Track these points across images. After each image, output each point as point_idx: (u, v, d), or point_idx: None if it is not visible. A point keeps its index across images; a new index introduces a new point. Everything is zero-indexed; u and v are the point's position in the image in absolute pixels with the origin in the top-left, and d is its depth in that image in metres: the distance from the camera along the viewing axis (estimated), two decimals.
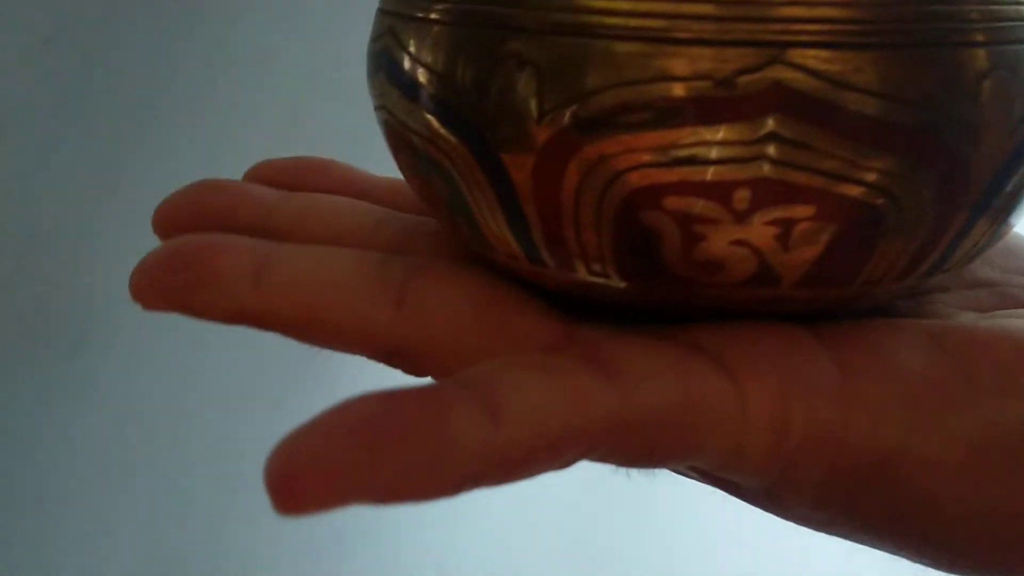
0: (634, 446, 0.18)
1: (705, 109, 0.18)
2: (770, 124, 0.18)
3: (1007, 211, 0.21)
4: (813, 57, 0.18)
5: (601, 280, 0.20)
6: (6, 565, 0.41)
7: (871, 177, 0.18)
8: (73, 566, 0.41)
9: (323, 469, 0.15)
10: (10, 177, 0.38)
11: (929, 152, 0.18)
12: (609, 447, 0.18)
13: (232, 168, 0.43)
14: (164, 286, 0.19)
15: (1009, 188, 0.20)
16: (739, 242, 0.19)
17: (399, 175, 0.24)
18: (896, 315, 0.22)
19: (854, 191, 0.18)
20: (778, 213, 0.18)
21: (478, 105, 0.19)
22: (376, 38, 0.22)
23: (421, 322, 0.20)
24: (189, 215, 0.23)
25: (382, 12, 0.22)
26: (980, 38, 0.19)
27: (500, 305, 0.21)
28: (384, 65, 0.21)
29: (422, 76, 0.20)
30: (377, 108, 0.22)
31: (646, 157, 0.18)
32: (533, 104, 0.19)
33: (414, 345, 0.20)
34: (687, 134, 0.18)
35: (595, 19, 0.18)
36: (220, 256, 0.20)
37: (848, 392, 0.20)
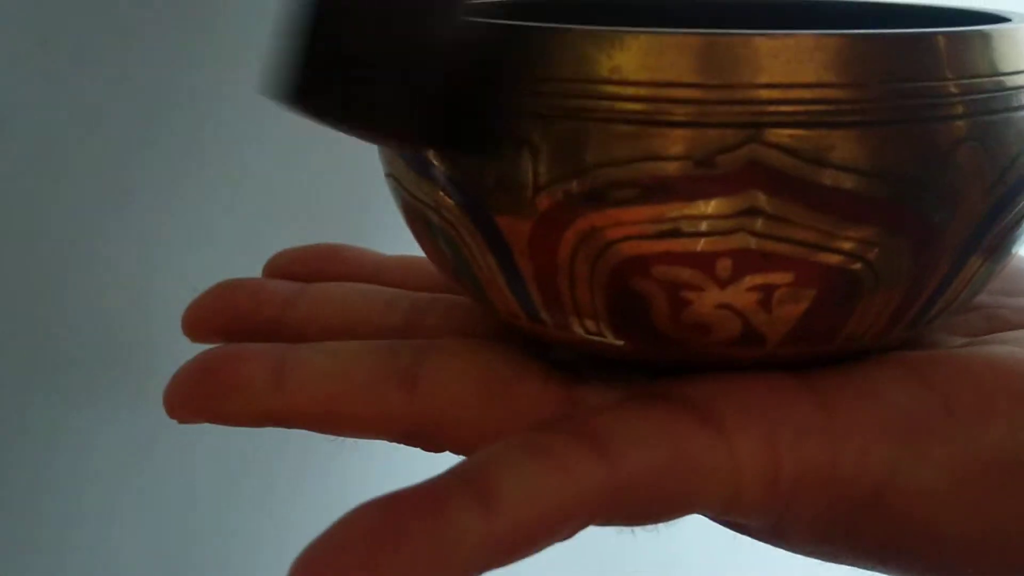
0: (631, 509, 0.20)
1: (688, 186, 0.19)
2: (749, 199, 0.19)
3: (987, 264, 0.22)
4: (788, 136, 0.19)
5: (598, 338, 0.21)
6: (10, 565, 0.42)
7: (848, 246, 0.19)
8: (77, 566, 0.42)
9: None
10: (10, 177, 0.38)
11: (904, 221, 0.20)
12: (607, 515, 0.19)
13: (231, 167, 0.43)
14: (194, 401, 0.22)
15: (985, 245, 0.21)
16: (723, 306, 0.20)
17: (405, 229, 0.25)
18: (885, 347, 0.23)
19: (832, 259, 0.20)
20: (759, 280, 0.20)
21: (479, 178, 0.21)
22: None
23: (431, 403, 0.22)
24: (215, 317, 0.25)
25: None
26: (959, 110, 0.20)
27: (503, 376, 0.22)
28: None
29: (427, 154, 0.21)
30: (387, 176, 0.23)
31: (634, 230, 0.20)
32: (530, 180, 0.20)
33: (427, 425, 0.22)
34: (672, 209, 0.19)
35: (587, 103, 0.19)
36: (241, 366, 0.22)
37: (833, 430, 0.21)
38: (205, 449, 0.43)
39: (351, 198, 0.43)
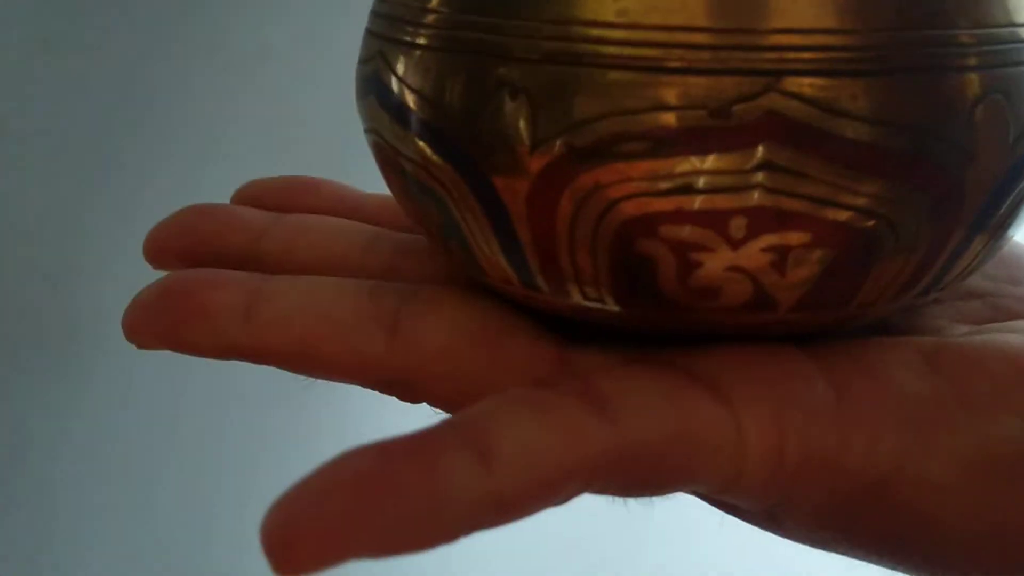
0: (631, 478, 0.18)
1: (700, 138, 0.18)
2: (766, 152, 0.18)
3: (1003, 228, 0.21)
4: (808, 85, 0.18)
5: (596, 305, 0.20)
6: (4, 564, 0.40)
7: (865, 202, 0.18)
8: (66, 565, 0.41)
9: (319, 529, 0.15)
10: (10, 177, 0.38)
11: (923, 176, 0.18)
12: (606, 481, 0.18)
13: (231, 165, 0.42)
14: (155, 324, 0.19)
15: (1005, 207, 0.20)
16: (735, 268, 0.19)
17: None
18: (889, 331, 0.22)
19: (848, 216, 0.18)
20: (773, 240, 0.18)
21: (470, 133, 0.19)
22: (365, 60, 0.21)
23: (414, 351, 0.20)
24: (179, 242, 0.23)
25: (370, 34, 0.21)
26: (973, 62, 0.19)
27: (493, 330, 0.21)
28: (374, 89, 0.21)
29: (412, 102, 0.20)
30: (367, 131, 0.22)
31: (641, 186, 0.18)
32: (526, 133, 0.18)
33: (409, 374, 0.20)
34: (682, 163, 0.18)
35: (588, 47, 0.18)
36: (210, 293, 0.20)
37: (843, 415, 0.20)
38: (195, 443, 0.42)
39: (331, 151, 0.42)
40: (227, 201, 0.26)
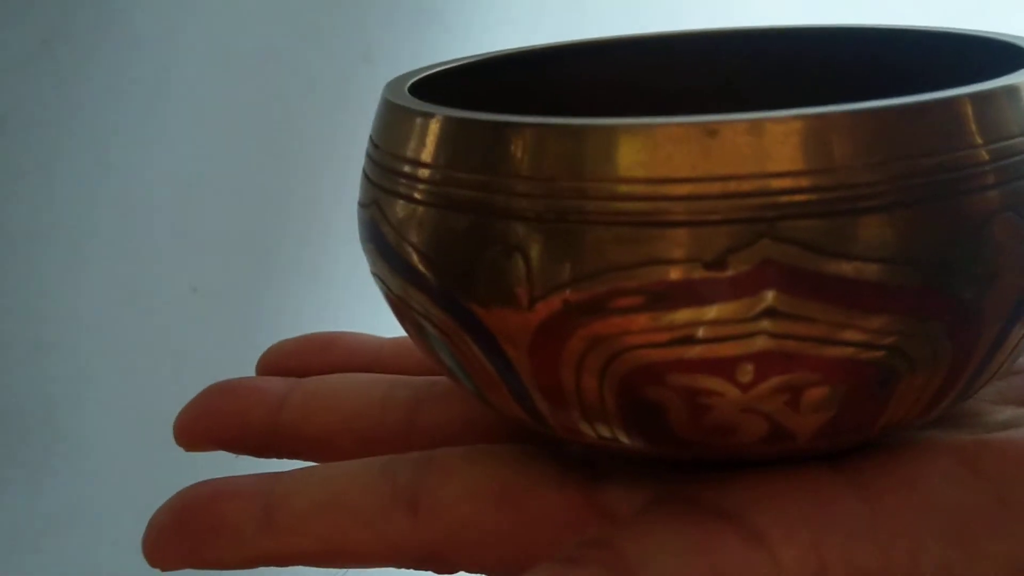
0: None
1: (698, 291, 0.17)
2: (766, 300, 0.17)
3: None
4: (804, 228, 0.17)
5: (612, 443, 0.20)
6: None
7: (877, 339, 0.18)
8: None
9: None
10: (10, 177, 0.38)
11: (938, 306, 0.18)
12: None
13: (230, 165, 0.42)
14: (177, 547, 0.20)
15: (1021, 326, 0.19)
16: (747, 409, 0.18)
17: None
18: (924, 425, 0.22)
19: (860, 354, 0.18)
20: (783, 381, 0.18)
21: (468, 288, 0.19)
22: (364, 204, 0.21)
23: (439, 525, 0.20)
24: (206, 425, 0.24)
25: (367, 178, 0.21)
26: (991, 179, 0.18)
27: (516, 486, 0.21)
28: (373, 237, 0.21)
29: (409, 255, 0.20)
30: (372, 274, 0.22)
31: (643, 338, 0.18)
32: (523, 290, 0.18)
33: (438, 549, 0.20)
34: (682, 316, 0.17)
35: (578, 204, 0.18)
36: (225, 505, 0.20)
37: (882, 532, 0.19)
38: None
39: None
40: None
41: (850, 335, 0.18)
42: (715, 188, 0.17)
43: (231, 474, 0.22)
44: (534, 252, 0.18)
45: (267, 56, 0.45)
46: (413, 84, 0.23)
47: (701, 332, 0.18)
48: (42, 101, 0.37)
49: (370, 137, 0.22)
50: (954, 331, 0.18)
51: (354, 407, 0.24)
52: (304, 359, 0.27)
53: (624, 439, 0.20)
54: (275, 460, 0.26)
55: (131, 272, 0.41)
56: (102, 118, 0.39)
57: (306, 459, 0.25)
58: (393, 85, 0.23)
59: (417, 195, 0.20)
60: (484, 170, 0.19)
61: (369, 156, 0.22)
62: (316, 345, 0.27)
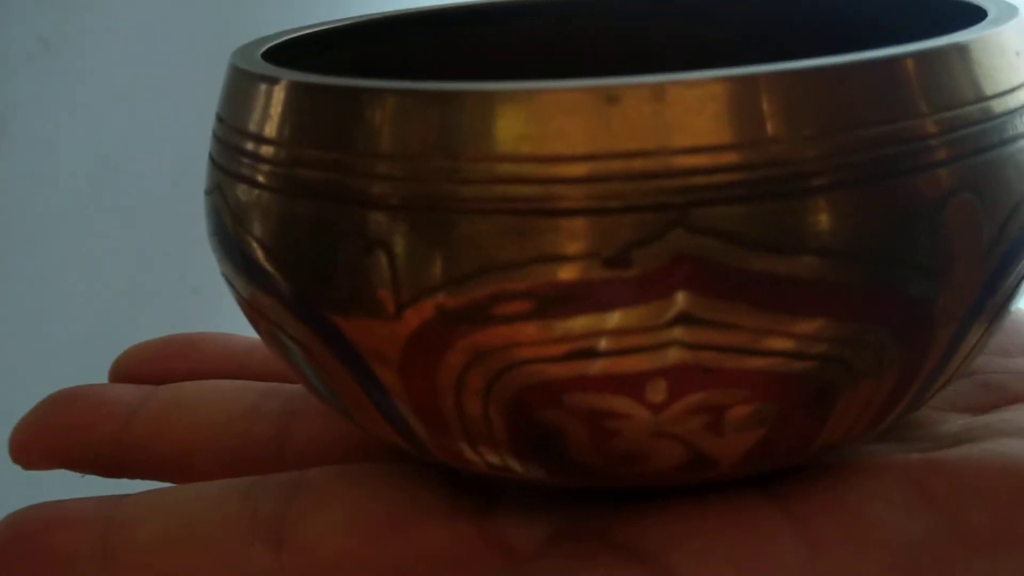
0: None
1: (597, 293, 0.14)
2: (679, 303, 0.14)
3: (989, 330, 0.17)
4: (724, 216, 0.14)
5: (502, 471, 0.17)
6: None
7: (813, 347, 0.15)
8: None
9: None
10: (10, 177, 0.38)
11: (883, 308, 0.15)
12: None
13: None
14: None
15: (986, 313, 0.16)
16: (660, 434, 0.15)
17: None
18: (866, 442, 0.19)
19: (793, 366, 0.15)
20: (701, 400, 0.15)
21: (323, 292, 0.16)
22: (208, 191, 0.18)
23: (307, 561, 0.17)
24: (43, 440, 0.21)
25: (211, 160, 0.18)
26: (941, 155, 0.15)
27: (399, 514, 0.18)
28: (216, 229, 0.17)
29: (255, 252, 0.16)
30: (222, 273, 0.18)
31: (534, 351, 0.15)
32: (388, 294, 0.15)
33: None
34: (579, 324, 0.14)
35: (451, 188, 0.14)
36: (58, 535, 0.18)
37: (821, 571, 0.16)
38: None
39: None
40: None
41: (780, 343, 0.15)
42: (616, 168, 0.14)
43: (85, 494, 0.20)
44: (399, 248, 0.15)
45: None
46: (276, 48, 0.19)
47: (602, 343, 0.14)
48: (42, 101, 0.38)
49: (216, 112, 0.19)
50: (903, 334, 0.15)
51: (216, 420, 0.22)
52: (162, 364, 0.24)
53: (517, 467, 0.16)
54: (127, 480, 0.23)
55: (131, 272, 0.42)
56: (102, 118, 0.39)
57: (160, 480, 0.22)
58: (246, 49, 0.19)
59: (260, 178, 0.16)
60: (336, 147, 0.15)
61: (214, 134, 0.18)
62: (177, 348, 0.24)
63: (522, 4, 0.24)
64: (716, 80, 0.14)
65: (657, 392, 0.15)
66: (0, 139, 0.38)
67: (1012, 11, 0.17)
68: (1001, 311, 0.17)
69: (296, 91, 0.16)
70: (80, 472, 0.22)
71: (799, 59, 0.15)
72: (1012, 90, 0.16)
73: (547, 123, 0.14)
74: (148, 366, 0.24)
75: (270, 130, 0.16)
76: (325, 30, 0.22)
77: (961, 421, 0.20)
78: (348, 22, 0.22)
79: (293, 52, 0.20)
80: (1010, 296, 0.17)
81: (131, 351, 0.24)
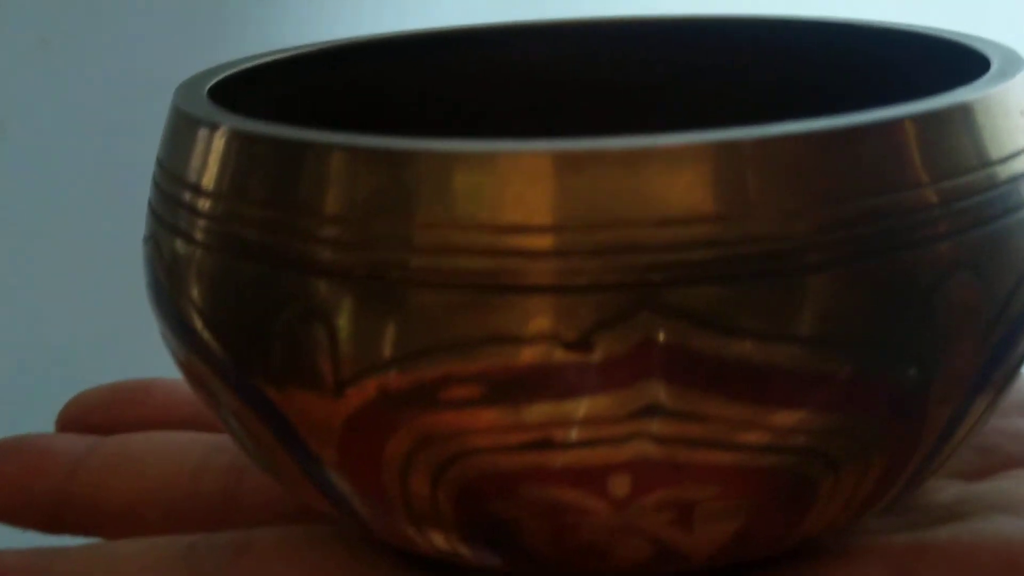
0: None
1: (556, 379, 0.13)
2: (647, 393, 0.13)
3: (994, 401, 0.16)
4: (698, 297, 0.13)
5: (452, 556, 0.15)
6: None
7: (792, 440, 0.13)
8: None
9: None
10: (10, 177, 0.38)
11: (870, 398, 0.13)
12: None
13: None
14: None
15: (989, 388, 0.15)
16: (624, 529, 0.14)
17: None
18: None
19: (771, 460, 0.13)
20: (669, 495, 0.14)
21: (258, 363, 0.14)
22: (145, 239, 0.17)
23: None
24: None
25: (150, 207, 0.17)
26: (942, 228, 0.14)
27: None
28: (151, 283, 0.16)
29: (189, 312, 0.15)
30: (159, 332, 0.17)
31: (485, 440, 0.13)
32: (326, 371, 0.14)
33: None
34: (536, 412, 0.13)
35: (398, 256, 0.13)
36: None
37: None
38: None
39: None
40: None
41: (757, 437, 0.13)
42: (579, 240, 0.13)
43: (26, 545, 0.19)
44: (341, 320, 0.13)
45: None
46: (224, 82, 0.18)
47: (561, 434, 0.13)
48: (42, 101, 0.38)
49: (157, 155, 0.17)
50: (892, 423, 0.14)
51: (163, 474, 0.20)
52: (112, 413, 0.23)
53: (467, 554, 0.15)
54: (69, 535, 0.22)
55: (132, 272, 0.42)
56: (102, 118, 0.39)
57: (104, 536, 0.21)
58: (196, 82, 0.18)
59: (197, 233, 0.15)
60: (276, 205, 0.14)
61: (153, 179, 0.17)
62: (127, 395, 0.23)
63: (516, 28, 0.22)
64: (693, 146, 0.13)
65: (620, 486, 0.13)
66: (0, 139, 0.38)
67: (1017, 62, 0.16)
68: (1008, 381, 0.16)
69: (236, 140, 0.15)
70: (20, 527, 0.21)
71: (795, 109, 0.13)
72: (1017, 154, 0.15)
73: (505, 189, 0.13)
74: (97, 414, 0.23)
75: (208, 181, 0.15)
76: (292, 56, 0.20)
77: (954, 489, 0.18)
78: (321, 47, 0.21)
79: (256, 79, 0.19)
80: (1017, 367, 0.16)
81: (80, 398, 0.23)
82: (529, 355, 0.13)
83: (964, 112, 0.14)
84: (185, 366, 0.16)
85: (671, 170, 0.13)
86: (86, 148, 0.39)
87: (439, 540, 0.15)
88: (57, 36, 0.38)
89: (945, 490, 0.18)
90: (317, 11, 0.46)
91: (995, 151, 0.14)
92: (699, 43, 0.22)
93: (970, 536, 0.16)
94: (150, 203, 0.17)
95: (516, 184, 0.13)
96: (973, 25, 0.21)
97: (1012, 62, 0.16)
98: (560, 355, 0.13)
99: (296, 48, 0.20)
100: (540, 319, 0.13)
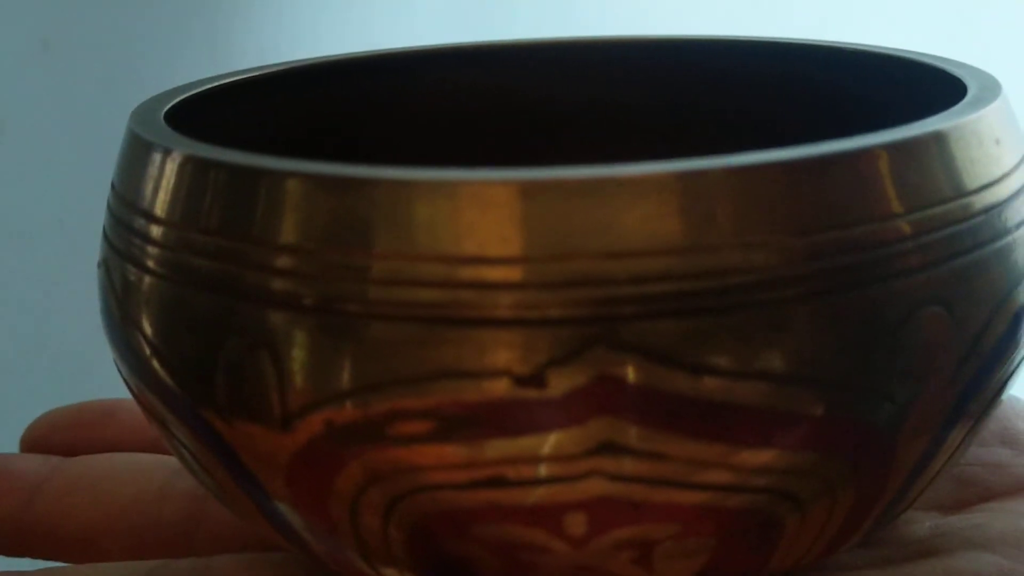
0: None
1: (507, 416, 0.12)
2: (603, 430, 0.12)
3: (972, 431, 0.15)
4: (655, 332, 0.12)
5: None
6: None
7: (755, 480, 0.13)
8: None
9: None
10: (10, 177, 0.38)
11: (840, 436, 0.13)
12: None
13: None
14: None
15: (963, 419, 0.15)
16: (582, 569, 0.13)
17: None
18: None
19: (733, 500, 0.13)
20: (628, 534, 0.13)
21: (205, 395, 0.14)
22: (98, 265, 0.16)
23: None
24: None
25: (104, 232, 0.16)
26: (914, 262, 0.13)
27: None
28: (103, 309, 0.16)
29: (139, 341, 0.14)
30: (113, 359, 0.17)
31: (436, 477, 0.13)
32: (273, 402, 0.13)
33: None
34: (487, 449, 0.12)
35: (344, 287, 0.13)
36: None
37: None
38: None
39: None
40: None
41: (718, 477, 0.13)
42: (533, 272, 0.12)
43: None
44: (290, 351, 0.13)
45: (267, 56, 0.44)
46: (185, 103, 0.18)
47: (514, 472, 0.12)
48: (42, 101, 0.38)
49: (112, 179, 0.17)
50: (860, 461, 0.14)
51: (125, 499, 0.20)
52: (76, 434, 0.22)
53: None
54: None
55: None
56: (102, 118, 0.38)
57: (64, 561, 0.21)
58: (153, 104, 0.17)
59: (149, 261, 0.14)
60: (229, 233, 0.13)
61: (107, 203, 0.16)
62: (92, 416, 0.23)
63: (488, 48, 0.22)
64: (657, 175, 0.12)
65: (577, 525, 0.13)
66: (0, 139, 0.37)
67: (994, 88, 0.16)
68: (984, 413, 0.15)
69: (190, 165, 0.14)
70: None
71: (765, 134, 0.13)
72: (991, 184, 0.14)
73: (456, 218, 0.12)
74: (60, 435, 0.22)
75: (161, 207, 0.14)
76: (254, 77, 0.20)
77: (930, 522, 0.18)
78: (287, 67, 0.20)
79: (222, 101, 0.18)
80: (995, 397, 0.15)
81: (44, 419, 0.23)
82: (481, 390, 0.12)
83: (938, 141, 0.14)
84: (137, 395, 0.15)
85: (633, 200, 0.12)
86: (86, 148, 0.38)
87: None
88: (58, 37, 0.38)
89: (921, 523, 0.18)
90: (319, 14, 0.46)
91: (970, 181, 0.14)
92: (672, 66, 0.21)
93: (944, 573, 0.16)
94: (104, 228, 0.16)
95: (467, 213, 0.12)
96: (966, 38, 0.21)
97: (988, 89, 0.16)
98: (513, 391, 0.12)
99: (259, 68, 0.19)
100: (493, 353, 0.12)
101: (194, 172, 0.14)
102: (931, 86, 0.17)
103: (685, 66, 0.21)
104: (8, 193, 0.38)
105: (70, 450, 0.22)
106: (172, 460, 0.21)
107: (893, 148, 0.13)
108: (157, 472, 0.21)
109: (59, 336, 0.40)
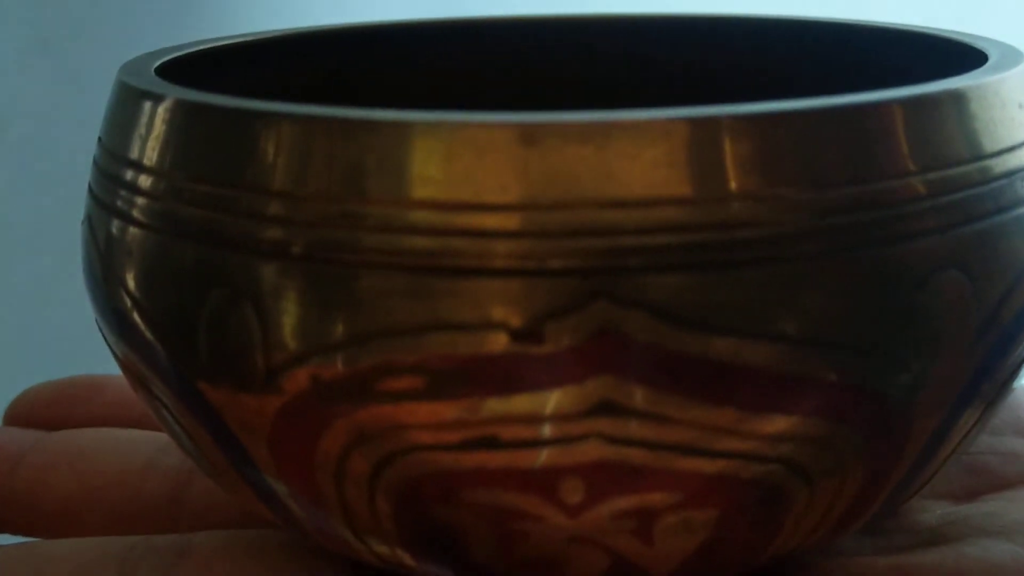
0: None
1: (504, 372, 0.12)
2: (603, 389, 0.12)
3: (986, 412, 0.15)
4: (661, 286, 0.12)
5: (393, 563, 0.14)
6: None
7: (765, 449, 0.12)
8: None
9: None
10: (10, 177, 0.39)
11: (853, 404, 0.12)
12: None
13: None
14: None
15: (980, 398, 0.14)
16: (578, 539, 0.13)
17: None
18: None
19: (738, 469, 0.12)
20: (627, 503, 0.12)
21: (186, 350, 0.13)
22: (82, 221, 0.16)
23: None
24: None
25: (89, 188, 0.16)
26: (929, 223, 0.12)
27: None
28: (86, 268, 0.15)
29: (121, 298, 0.14)
30: (95, 321, 0.16)
31: (427, 436, 0.12)
32: (256, 357, 0.12)
33: None
34: (480, 407, 0.12)
35: (330, 234, 0.12)
36: None
37: None
38: None
39: None
40: None
41: (723, 443, 0.12)
42: (532, 221, 0.11)
43: None
44: (274, 303, 0.12)
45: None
46: (190, 57, 0.17)
47: (507, 432, 0.12)
48: (42, 101, 0.38)
49: (99, 134, 0.16)
50: (873, 432, 0.13)
51: (108, 473, 0.19)
52: (61, 409, 0.22)
53: (410, 563, 0.14)
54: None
55: None
56: (102, 118, 0.40)
57: (44, 536, 0.20)
58: (144, 60, 0.17)
59: (135, 212, 0.14)
60: (221, 180, 0.13)
61: (94, 159, 0.16)
62: (79, 391, 0.22)
63: (501, 21, 0.21)
64: (664, 121, 0.12)
65: (573, 492, 0.12)
66: (0, 139, 0.38)
67: (1016, 57, 0.15)
68: (998, 396, 0.14)
69: (180, 112, 0.14)
70: None
71: (776, 99, 0.12)
72: (1013, 148, 0.14)
73: (452, 163, 0.12)
74: (46, 410, 0.22)
75: (150, 156, 0.14)
76: (252, 41, 0.19)
77: (940, 510, 0.17)
78: (279, 34, 0.20)
79: (211, 64, 0.18)
80: (1010, 378, 0.15)
81: (30, 392, 0.22)
82: (475, 344, 0.12)
83: (957, 100, 0.13)
84: (121, 359, 0.15)
85: (639, 147, 0.12)
86: (86, 148, 0.40)
87: (381, 548, 0.14)
88: (57, 36, 0.38)
89: (931, 511, 0.17)
90: (319, 13, 0.46)
91: (989, 144, 0.13)
92: (693, 41, 0.21)
93: (955, 561, 0.15)
94: (89, 184, 0.16)
95: (463, 158, 0.12)
96: (974, 26, 0.20)
97: (1011, 56, 0.15)
98: (507, 345, 0.12)
99: (250, 35, 0.19)
100: (488, 305, 0.11)
101: (185, 117, 0.13)
102: (955, 59, 0.16)
103: (718, 42, 0.21)
104: (8, 193, 0.38)
105: (54, 425, 0.21)
106: (159, 436, 0.21)
107: (910, 104, 0.13)
108: (142, 447, 0.20)
109: (60, 336, 0.40)
